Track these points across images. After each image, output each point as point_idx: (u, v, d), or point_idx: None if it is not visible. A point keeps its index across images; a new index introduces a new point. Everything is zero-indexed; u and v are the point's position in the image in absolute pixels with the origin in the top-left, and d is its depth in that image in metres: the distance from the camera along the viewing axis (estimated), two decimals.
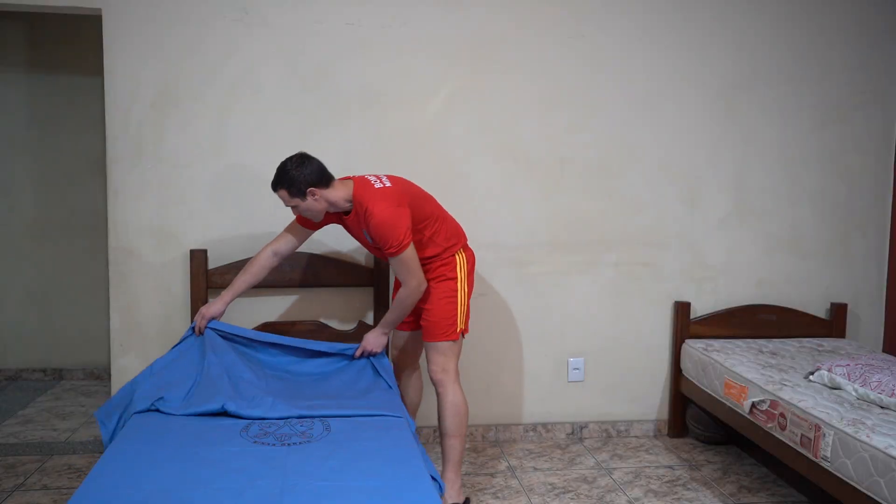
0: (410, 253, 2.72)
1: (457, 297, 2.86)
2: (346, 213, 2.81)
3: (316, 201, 2.73)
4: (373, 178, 2.79)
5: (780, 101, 3.70)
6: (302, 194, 2.70)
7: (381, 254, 2.83)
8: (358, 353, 2.97)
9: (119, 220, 3.28)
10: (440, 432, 2.90)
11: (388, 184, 2.77)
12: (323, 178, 2.73)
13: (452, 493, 2.86)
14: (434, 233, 2.86)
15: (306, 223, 2.93)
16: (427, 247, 2.85)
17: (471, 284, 2.93)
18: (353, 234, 2.94)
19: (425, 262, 2.84)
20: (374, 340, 2.95)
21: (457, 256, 2.90)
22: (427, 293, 2.85)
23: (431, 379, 2.90)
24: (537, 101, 3.53)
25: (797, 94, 3.71)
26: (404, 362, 3.14)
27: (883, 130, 3.80)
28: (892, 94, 3.79)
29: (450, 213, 3.00)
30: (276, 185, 2.74)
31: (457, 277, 2.87)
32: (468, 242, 3.03)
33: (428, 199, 2.92)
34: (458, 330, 2.87)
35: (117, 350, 3.33)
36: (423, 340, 2.93)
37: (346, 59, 3.37)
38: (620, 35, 3.55)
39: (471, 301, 2.96)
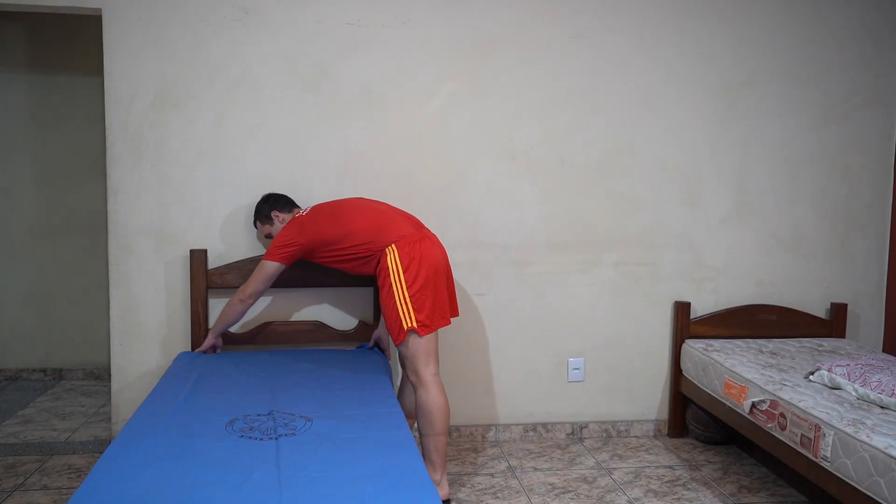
0: (267, 269, 2.99)
1: (394, 297, 2.77)
2: None
3: (282, 223, 3.16)
4: (301, 209, 3.16)
5: (781, 100, 3.70)
6: (269, 219, 3.18)
7: (344, 265, 2.99)
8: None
9: (119, 220, 3.28)
10: (417, 428, 2.92)
11: (304, 214, 3.08)
12: (285, 204, 3.20)
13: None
14: (359, 247, 2.90)
15: None
16: (362, 263, 2.92)
17: (412, 278, 2.78)
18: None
19: (377, 278, 2.90)
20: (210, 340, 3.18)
21: (387, 256, 2.82)
22: (381, 302, 2.87)
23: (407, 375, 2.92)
24: (537, 101, 3.53)
25: (797, 93, 3.71)
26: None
27: (883, 130, 3.80)
28: (893, 94, 3.79)
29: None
30: (254, 223, 3.27)
31: (390, 279, 2.80)
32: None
33: (340, 218, 2.97)
34: (406, 329, 2.76)
35: (117, 350, 3.33)
36: None
37: (346, 59, 3.37)
38: (620, 35, 3.55)
39: (421, 293, 2.77)
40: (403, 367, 2.90)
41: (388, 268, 2.81)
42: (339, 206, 3.06)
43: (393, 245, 2.84)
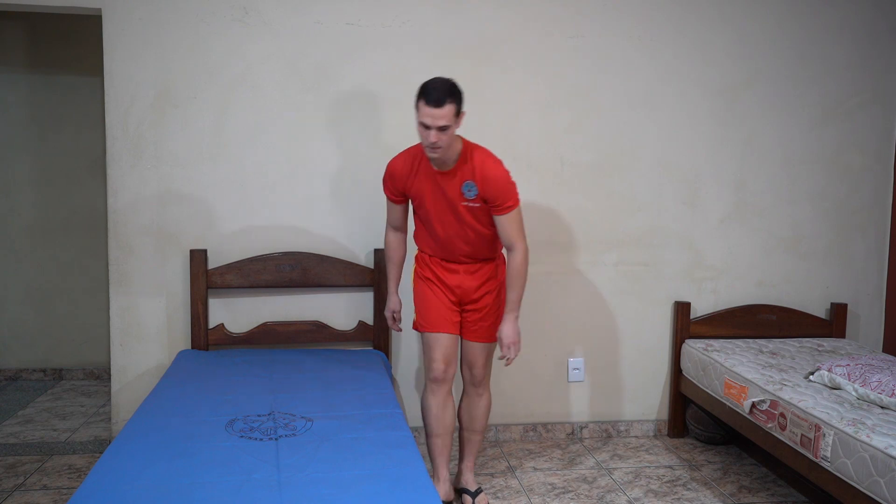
0: (519, 214, 2.73)
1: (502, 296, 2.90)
2: (442, 169, 2.69)
3: (456, 129, 2.62)
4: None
5: (781, 100, 3.70)
6: (459, 114, 2.61)
7: (464, 217, 2.70)
8: (505, 353, 2.75)
9: (119, 220, 3.28)
10: (471, 429, 2.98)
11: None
12: None
13: (473, 480, 3.01)
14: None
15: (396, 199, 2.89)
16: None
17: None
18: (429, 199, 2.74)
19: (499, 265, 2.91)
20: (511, 332, 2.75)
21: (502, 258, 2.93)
22: (497, 293, 2.87)
23: (475, 381, 2.93)
24: (537, 101, 3.52)
25: (798, 93, 3.71)
26: (467, 373, 2.98)
27: (883, 130, 3.80)
28: (893, 94, 3.79)
29: None
30: (447, 97, 2.52)
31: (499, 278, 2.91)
32: None
33: None
34: None
35: (117, 350, 3.33)
36: (475, 341, 2.87)
37: (346, 59, 3.37)
38: (620, 35, 3.55)
39: None
40: (479, 368, 2.91)
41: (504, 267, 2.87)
42: None
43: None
